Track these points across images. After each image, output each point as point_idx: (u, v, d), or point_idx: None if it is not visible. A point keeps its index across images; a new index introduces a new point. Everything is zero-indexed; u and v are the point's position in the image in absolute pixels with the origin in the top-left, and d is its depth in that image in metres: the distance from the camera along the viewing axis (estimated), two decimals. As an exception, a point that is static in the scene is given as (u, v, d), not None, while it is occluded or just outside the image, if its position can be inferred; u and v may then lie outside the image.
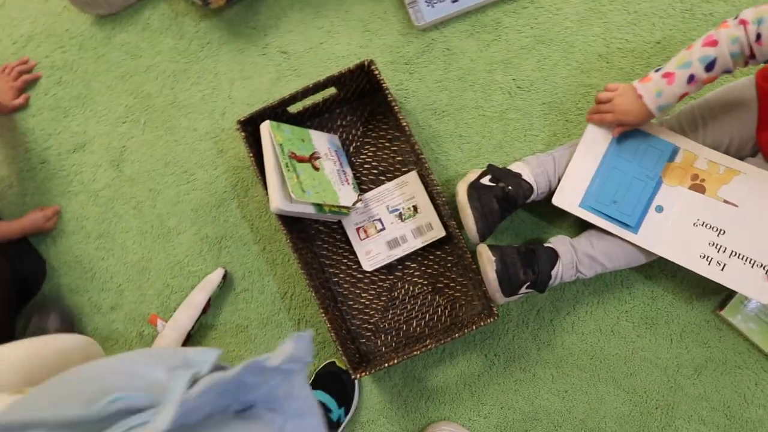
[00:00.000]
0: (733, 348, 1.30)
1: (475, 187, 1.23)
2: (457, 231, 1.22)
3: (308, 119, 1.37)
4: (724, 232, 1.19)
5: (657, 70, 1.15)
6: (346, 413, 1.32)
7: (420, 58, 1.39)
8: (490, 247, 1.21)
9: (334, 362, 1.33)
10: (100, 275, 1.41)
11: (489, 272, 1.18)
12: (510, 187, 1.22)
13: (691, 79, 1.10)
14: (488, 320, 1.19)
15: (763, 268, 1.16)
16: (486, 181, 1.23)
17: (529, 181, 1.24)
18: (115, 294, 1.41)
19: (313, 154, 1.27)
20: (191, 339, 1.36)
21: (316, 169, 1.26)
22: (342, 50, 1.41)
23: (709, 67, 1.09)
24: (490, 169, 1.25)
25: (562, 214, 1.27)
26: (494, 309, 1.21)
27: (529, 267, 1.20)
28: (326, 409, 1.27)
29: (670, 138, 1.23)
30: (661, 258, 1.22)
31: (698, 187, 1.20)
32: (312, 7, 1.43)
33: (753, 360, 1.29)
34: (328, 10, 1.43)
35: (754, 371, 1.29)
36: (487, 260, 1.18)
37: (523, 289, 1.22)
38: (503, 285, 1.18)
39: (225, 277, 1.38)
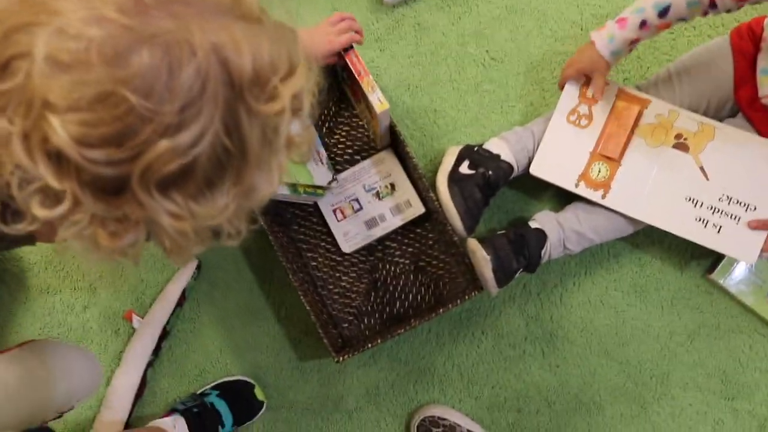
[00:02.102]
0: (725, 312, 1.27)
1: (455, 180, 1.20)
2: (437, 205, 1.19)
3: (278, 100, 1.34)
4: (712, 194, 1.16)
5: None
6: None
7: (390, 35, 1.36)
8: (482, 243, 1.17)
9: (253, 387, 1.29)
10: (71, 274, 1.36)
11: (486, 272, 1.15)
12: (490, 172, 1.19)
13: (643, 24, 1.10)
14: (472, 294, 1.16)
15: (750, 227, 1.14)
16: (465, 169, 1.20)
17: (508, 161, 1.21)
18: (88, 293, 1.36)
19: (284, 134, 1.24)
20: (169, 334, 1.32)
21: (289, 149, 1.23)
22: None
23: (663, 13, 1.08)
24: (468, 153, 1.22)
25: (541, 185, 1.25)
26: (479, 283, 1.18)
27: (520, 254, 1.17)
28: (219, 420, 1.24)
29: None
30: (649, 226, 1.20)
31: (682, 146, 1.18)
32: (278, -12, 1.40)
33: (746, 323, 1.27)
34: (294, -10, 1.40)
35: (748, 334, 1.26)
36: (482, 259, 1.15)
37: (516, 275, 1.20)
38: (500, 279, 1.16)
39: (199, 267, 1.33)
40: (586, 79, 1.21)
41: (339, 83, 1.33)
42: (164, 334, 1.31)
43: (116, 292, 1.35)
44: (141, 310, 1.33)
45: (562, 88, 1.23)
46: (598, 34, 1.15)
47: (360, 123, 1.33)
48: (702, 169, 1.17)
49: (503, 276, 1.15)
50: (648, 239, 1.28)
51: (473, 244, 1.16)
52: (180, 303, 1.32)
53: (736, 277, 1.25)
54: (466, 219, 1.17)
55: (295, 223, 1.33)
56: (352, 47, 1.14)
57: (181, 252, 0.67)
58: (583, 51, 1.19)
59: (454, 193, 1.17)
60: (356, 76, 1.13)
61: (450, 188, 1.18)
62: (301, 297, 1.17)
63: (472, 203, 1.17)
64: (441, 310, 1.16)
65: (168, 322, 1.31)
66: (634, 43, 1.13)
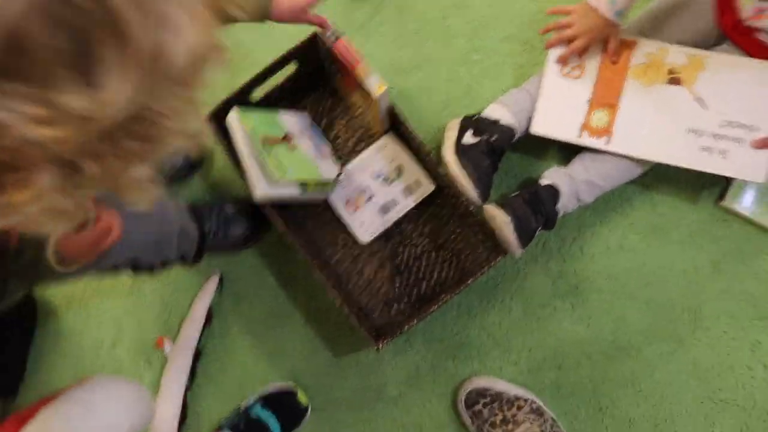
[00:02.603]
0: (743, 236, 1.28)
1: (461, 151, 1.20)
2: (448, 179, 1.19)
3: (273, 103, 1.33)
4: (712, 121, 1.18)
5: None
6: None
7: (373, 20, 1.37)
8: (500, 206, 1.18)
9: (295, 393, 1.28)
10: (94, 312, 1.35)
11: (508, 234, 1.15)
12: (494, 138, 1.20)
13: None
14: (497, 260, 1.17)
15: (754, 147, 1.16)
16: (469, 138, 1.21)
17: (509, 124, 1.22)
18: (114, 328, 1.35)
19: (285, 135, 1.24)
20: (201, 354, 1.31)
21: (292, 148, 1.23)
22: (293, 30, 1.37)
23: None
24: (469, 123, 1.23)
25: (544, 143, 1.26)
26: (502, 248, 1.19)
27: (537, 212, 1.18)
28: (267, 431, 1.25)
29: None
30: (657, 164, 1.22)
31: (675, 81, 1.20)
32: (251, -5, 1.40)
33: (764, 243, 1.28)
34: (268, -6, 1.40)
35: (769, 253, 1.28)
36: (503, 222, 1.16)
37: (536, 234, 1.20)
38: (522, 240, 1.16)
39: (221, 282, 1.33)
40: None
41: (328, 79, 1.33)
42: (197, 355, 1.31)
43: (142, 322, 1.34)
44: (170, 335, 1.33)
45: (550, 46, 1.24)
46: (597, 1, 1.16)
47: (357, 112, 1.33)
48: (699, 99, 1.19)
49: (525, 236, 1.16)
50: (657, 178, 1.30)
51: (491, 209, 1.17)
52: (208, 321, 1.32)
53: (748, 199, 1.26)
54: (479, 187, 1.18)
55: (308, 222, 1.33)
56: (338, 38, 1.15)
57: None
58: (585, 18, 1.19)
59: (463, 164, 1.18)
60: (348, 66, 1.13)
61: (459, 159, 1.19)
62: (331, 292, 1.17)
63: (482, 170, 1.18)
64: (470, 281, 1.17)
65: (199, 342, 1.31)
66: None
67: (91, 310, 1.35)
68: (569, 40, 1.21)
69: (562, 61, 1.23)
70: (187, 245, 1.19)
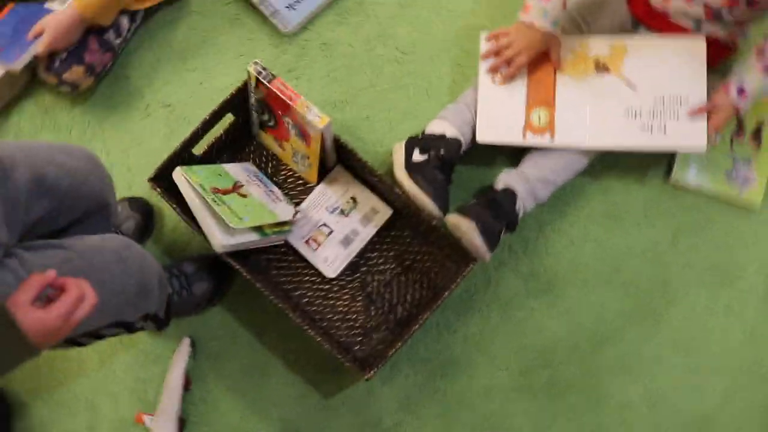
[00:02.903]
0: (694, 208, 1.33)
1: (413, 169, 1.21)
2: (405, 200, 1.20)
3: (216, 156, 1.32)
4: (645, 101, 1.22)
5: None
6: None
7: (301, 62, 1.39)
8: (460, 214, 1.18)
9: None
10: (65, 399, 1.29)
11: (476, 238, 1.16)
12: (442, 151, 1.22)
13: None
14: (468, 268, 1.18)
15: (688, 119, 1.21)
16: (418, 156, 1.23)
17: (454, 136, 1.24)
18: (88, 411, 1.28)
19: (235, 184, 1.23)
20: (186, 422, 1.26)
21: (244, 196, 1.22)
22: (223, 82, 1.38)
23: None
24: (414, 143, 1.25)
25: (491, 151, 1.28)
26: (470, 257, 1.19)
27: (499, 215, 1.19)
28: None
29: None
30: (602, 152, 1.26)
31: (603, 69, 1.24)
32: (178, 54, 1.41)
33: (716, 210, 1.33)
34: (194, 50, 1.41)
35: (722, 220, 1.32)
36: (468, 228, 1.16)
37: (501, 237, 1.22)
38: (489, 242, 1.17)
39: (193, 345, 1.29)
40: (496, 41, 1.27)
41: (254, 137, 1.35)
42: (182, 424, 1.25)
43: (117, 400, 1.28)
44: (149, 409, 1.27)
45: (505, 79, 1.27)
46: (528, 15, 1.21)
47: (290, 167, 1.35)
48: (628, 82, 1.23)
49: (491, 238, 1.17)
50: (604, 167, 1.33)
51: (454, 218, 1.18)
52: (186, 387, 1.27)
53: (692, 171, 1.31)
54: (437, 201, 1.18)
55: (272, 267, 1.31)
56: (273, 78, 1.15)
57: None
58: (523, 35, 1.23)
59: (417, 181, 1.19)
60: (287, 102, 1.14)
61: (412, 177, 1.20)
62: (309, 331, 1.15)
63: (438, 184, 1.19)
64: (444, 295, 1.17)
65: (181, 411, 1.25)
66: (565, 2, 1.20)
67: (61, 398, 1.28)
68: (510, 60, 1.25)
69: (494, 70, 1.27)
70: (163, 296, 1.14)
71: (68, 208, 0.99)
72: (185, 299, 1.23)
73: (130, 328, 1.04)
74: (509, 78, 1.26)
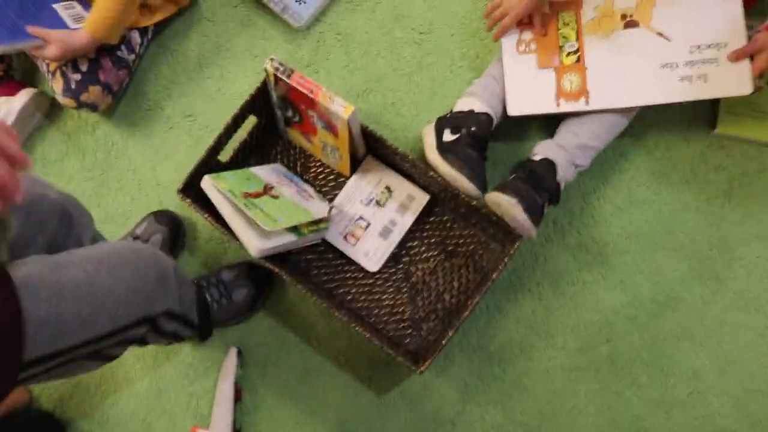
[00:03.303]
0: (744, 157, 1.26)
1: (445, 150, 1.17)
2: (440, 184, 1.16)
3: (243, 161, 1.30)
4: (681, 51, 1.15)
5: None
6: None
7: (318, 55, 1.35)
8: (499, 191, 1.13)
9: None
10: (120, 421, 1.28)
11: (519, 214, 1.10)
12: (474, 128, 1.17)
13: None
14: (514, 247, 1.13)
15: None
16: (449, 136, 1.18)
17: (484, 111, 1.20)
18: (143, 431, 1.28)
19: (265, 186, 1.20)
20: (241, 433, 1.24)
21: (276, 198, 1.19)
22: (242, 86, 1.36)
23: None
24: (444, 123, 1.21)
25: (524, 123, 1.23)
26: (515, 234, 1.15)
27: (540, 188, 1.14)
28: None
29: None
30: (642, 109, 1.20)
31: (632, 24, 1.18)
32: (193, 64, 1.38)
33: (766, 156, 1.26)
34: (209, 58, 1.38)
35: (776, 165, 1.26)
36: (510, 205, 1.11)
37: (544, 211, 1.17)
38: (533, 218, 1.12)
39: (240, 354, 1.27)
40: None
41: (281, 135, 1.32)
42: (238, 436, 1.24)
43: (172, 418, 1.27)
44: (204, 422, 1.25)
45: (497, 39, 1.23)
46: None
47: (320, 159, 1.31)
48: (660, 34, 1.17)
49: (535, 214, 1.12)
50: (644, 125, 1.27)
51: (494, 196, 1.13)
52: (238, 398, 1.25)
53: (737, 119, 1.24)
54: (474, 179, 1.14)
55: (313, 268, 1.28)
56: (292, 73, 1.12)
57: None
58: None
59: (451, 161, 1.15)
60: (308, 95, 1.10)
61: (445, 158, 1.15)
62: (357, 328, 1.11)
63: (472, 162, 1.15)
64: (493, 277, 1.12)
65: (235, 422, 1.23)
66: None
67: (116, 420, 1.27)
68: (511, 22, 1.20)
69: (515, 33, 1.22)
70: (184, 291, 1.07)
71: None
72: (225, 307, 1.21)
73: (158, 329, 0.99)
74: (496, 39, 1.22)
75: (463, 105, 1.22)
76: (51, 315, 0.75)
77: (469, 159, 1.14)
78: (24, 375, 0.76)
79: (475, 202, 1.15)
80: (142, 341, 1.00)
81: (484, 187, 1.16)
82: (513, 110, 1.21)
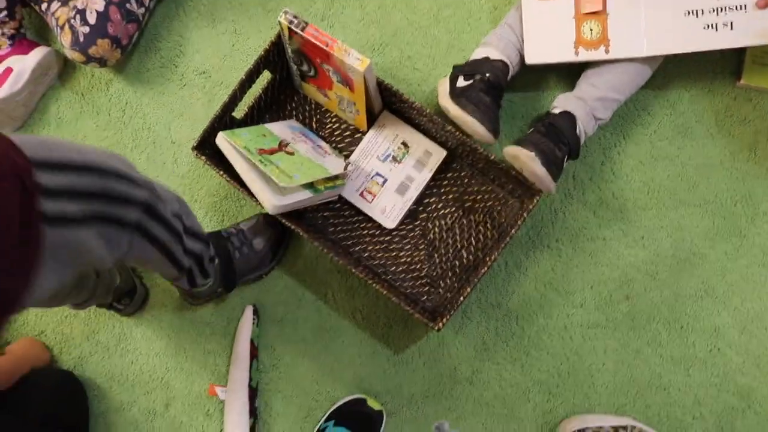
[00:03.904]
0: (772, 109, 1.22)
1: (457, 94, 1.15)
2: (459, 139, 1.14)
3: (258, 117, 1.28)
4: None
5: None
6: None
7: (332, 8, 1.32)
8: (518, 144, 1.12)
9: (365, 401, 1.21)
10: (139, 379, 1.29)
11: (537, 168, 1.09)
12: (488, 74, 1.15)
13: None
14: (535, 201, 1.11)
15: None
16: (462, 82, 1.16)
17: (500, 59, 1.17)
18: (162, 389, 1.28)
19: (281, 142, 1.18)
20: (258, 390, 1.24)
21: (291, 154, 1.17)
22: (256, 42, 1.34)
23: None
24: (458, 71, 1.18)
25: (543, 74, 1.20)
26: (534, 190, 1.13)
27: (559, 141, 1.12)
28: None
29: None
30: (664, 60, 1.17)
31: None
32: (206, 19, 1.36)
33: (797, 108, 1.22)
34: (222, 13, 1.36)
35: (805, 118, 1.22)
36: (528, 158, 1.09)
37: (564, 165, 1.14)
38: (552, 172, 1.10)
39: (256, 312, 1.27)
40: None
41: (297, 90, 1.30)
42: (253, 394, 1.24)
43: (189, 375, 1.27)
44: (221, 380, 1.26)
45: None
46: None
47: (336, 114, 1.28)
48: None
49: (554, 167, 1.09)
50: (666, 77, 1.24)
51: (512, 149, 1.11)
52: (254, 356, 1.25)
53: (763, 69, 1.20)
54: (486, 123, 1.11)
55: (329, 225, 1.27)
56: (306, 26, 1.10)
57: None
58: None
59: (463, 105, 1.12)
60: (323, 48, 1.08)
61: (457, 102, 1.13)
62: (375, 285, 1.10)
63: (485, 107, 1.12)
64: (512, 233, 1.11)
65: (251, 379, 1.24)
66: None
67: (136, 378, 1.28)
68: None
69: None
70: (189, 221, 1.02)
71: None
72: (246, 255, 1.20)
73: (177, 262, 0.97)
74: None
75: (477, 54, 1.19)
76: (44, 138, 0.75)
77: (482, 103, 1.12)
78: (53, 207, 0.70)
79: (493, 156, 1.13)
80: (170, 254, 0.95)
81: (496, 132, 1.13)
82: (531, 58, 1.18)
